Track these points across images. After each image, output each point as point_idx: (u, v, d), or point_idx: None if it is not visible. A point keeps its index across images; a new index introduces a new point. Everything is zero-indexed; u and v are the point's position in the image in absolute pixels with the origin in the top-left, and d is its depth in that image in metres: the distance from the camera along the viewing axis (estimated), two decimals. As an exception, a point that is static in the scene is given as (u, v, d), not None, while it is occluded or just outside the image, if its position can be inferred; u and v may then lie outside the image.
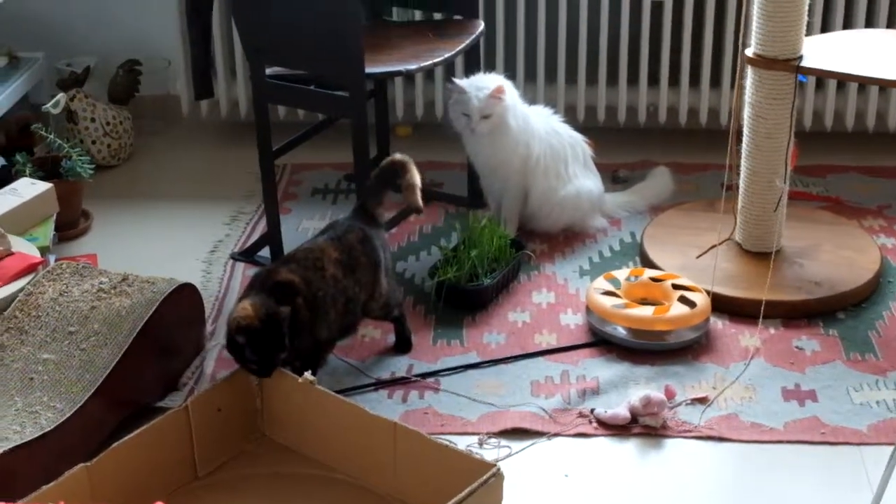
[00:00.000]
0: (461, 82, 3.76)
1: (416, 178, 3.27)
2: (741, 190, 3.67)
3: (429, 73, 4.56)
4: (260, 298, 2.86)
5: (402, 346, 3.38)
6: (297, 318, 2.91)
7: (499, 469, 2.55)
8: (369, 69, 3.47)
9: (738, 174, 3.67)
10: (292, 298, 2.91)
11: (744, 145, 3.62)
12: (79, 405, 2.86)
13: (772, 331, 3.42)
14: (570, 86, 4.57)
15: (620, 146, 4.54)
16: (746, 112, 3.58)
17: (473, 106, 3.72)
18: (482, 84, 3.75)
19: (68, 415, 2.83)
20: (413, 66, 3.60)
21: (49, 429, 2.77)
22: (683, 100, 4.55)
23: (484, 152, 3.87)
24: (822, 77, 4.16)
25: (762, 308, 3.39)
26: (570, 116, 4.25)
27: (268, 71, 3.63)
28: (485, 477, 2.52)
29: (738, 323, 3.46)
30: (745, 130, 3.60)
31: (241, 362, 2.86)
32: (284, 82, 3.63)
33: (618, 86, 4.56)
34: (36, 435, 2.74)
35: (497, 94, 3.72)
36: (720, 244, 3.69)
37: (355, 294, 3.12)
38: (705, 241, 3.71)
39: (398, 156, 3.31)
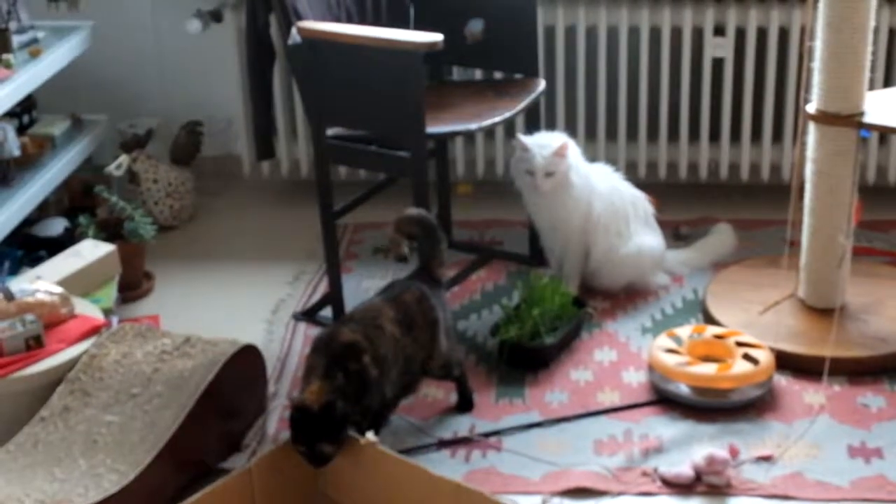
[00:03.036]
0: (525, 139, 3.77)
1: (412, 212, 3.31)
2: (804, 246, 3.64)
3: (489, 131, 4.57)
4: (329, 382, 2.86)
5: (464, 405, 3.37)
6: (365, 377, 2.92)
7: (562, 530, 2.54)
8: (430, 129, 3.48)
9: (801, 230, 3.64)
10: (359, 359, 2.93)
11: (806, 201, 3.59)
12: (142, 467, 2.86)
13: (836, 388, 3.39)
14: (630, 143, 4.56)
15: (682, 203, 4.52)
16: (808, 168, 3.56)
17: (538, 163, 3.72)
18: (546, 142, 3.76)
19: (131, 477, 2.83)
20: (474, 126, 3.61)
21: (113, 492, 2.78)
22: (745, 156, 4.53)
23: (546, 210, 3.87)
24: (885, 132, 4.14)
25: (826, 365, 3.35)
26: (631, 173, 4.24)
27: (329, 131, 3.66)
28: (548, 538, 2.51)
29: (801, 380, 3.43)
30: (808, 186, 3.58)
31: (295, 447, 2.85)
32: (345, 142, 3.65)
33: (679, 142, 4.55)
34: (100, 498, 2.76)
35: (561, 152, 3.72)
36: (783, 301, 3.66)
37: (414, 352, 3.12)
38: (768, 297, 3.68)
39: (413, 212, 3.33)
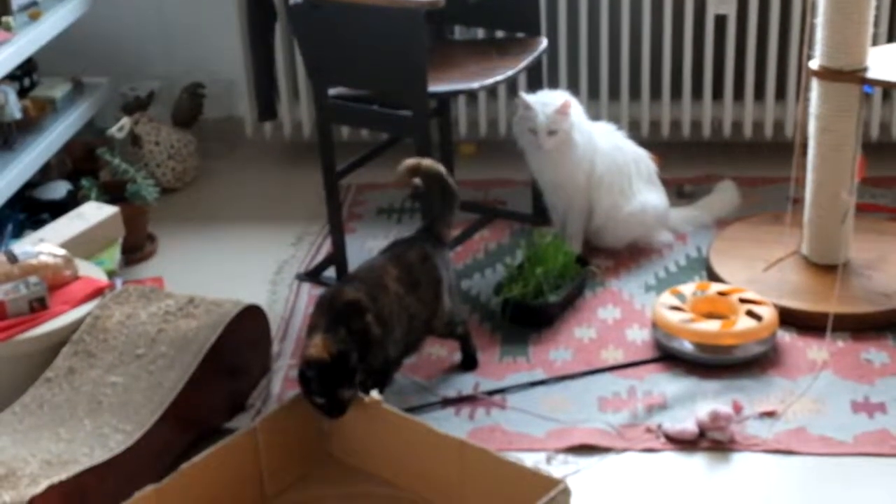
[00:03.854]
0: (527, 98, 3.76)
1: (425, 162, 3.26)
2: (807, 202, 3.64)
3: (492, 90, 4.56)
4: (331, 335, 2.86)
5: (468, 363, 3.38)
6: (368, 335, 2.93)
7: (566, 485, 2.54)
8: (432, 88, 3.47)
9: (804, 187, 3.63)
10: (362, 317, 2.93)
11: (809, 158, 3.59)
12: (147, 427, 2.87)
13: (840, 343, 3.39)
14: (633, 101, 4.55)
15: (685, 161, 4.52)
16: (812, 124, 3.55)
17: (540, 122, 3.71)
18: (548, 100, 3.75)
19: (137, 437, 2.84)
20: (476, 85, 3.60)
21: (118, 451, 2.79)
22: (748, 113, 4.52)
23: (549, 169, 3.87)
24: (888, 88, 4.12)
25: (830, 321, 3.36)
26: (635, 132, 4.24)
27: (331, 91, 3.65)
28: (552, 493, 2.52)
29: (805, 336, 3.43)
30: (811, 143, 3.57)
31: (311, 401, 2.84)
32: (347, 102, 3.64)
33: (682, 100, 4.53)
34: (105, 458, 2.76)
35: (564, 110, 3.72)
36: (787, 257, 3.66)
37: (417, 311, 3.12)
38: (772, 254, 3.69)
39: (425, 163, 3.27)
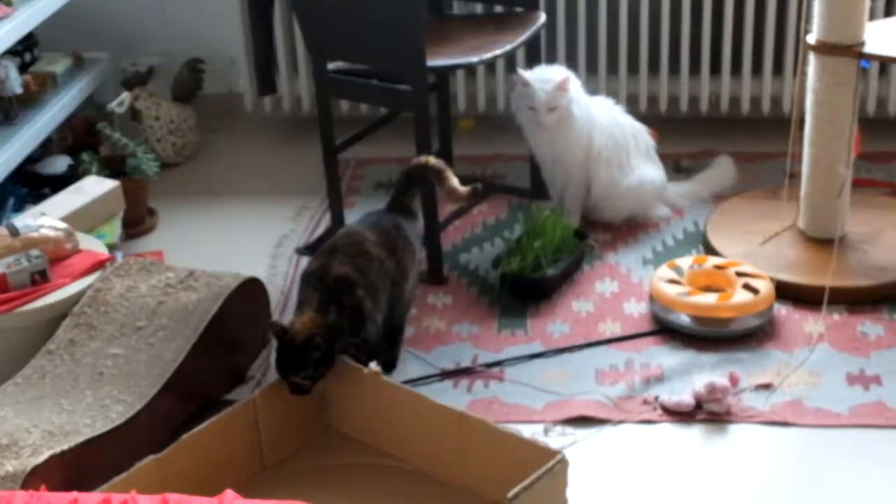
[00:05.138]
0: (526, 74, 3.76)
1: (454, 181, 3.26)
2: (804, 177, 3.65)
3: (490, 65, 4.56)
4: (321, 317, 2.87)
5: (388, 365, 3.25)
6: (361, 309, 2.95)
7: (563, 456, 2.56)
8: (431, 62, 3.48)
9: (801, 161, 3.65)
10: (353, 292, 2.94)
11: (806, 132, 3.60)
12: (148, 399, 2.89)
13: (836, 317, 3.41)
14: (631, 76, 4.55)
15: (683, 136, 4.52)
16: (809, 99, 3.56)
17: (540, 99, 3.72)
18: (547, 76, 3.75)
19: (138, 408, 2.86)
20: (474, 59, 3.61)
21: (119, 422, 2.81)
22: (745, 88, 4.52)
23: (547, 144, 3.88)
24: (885, 63, 4.13)
25: (826, 294, 3.37)
26: (632, 107, 4.24)
27: (330, 66, 3.66)
28: (550, 464, 2.54)
29: (802, 309, 3.45)
30: (808, 118, 3.58)
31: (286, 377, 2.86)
32: (346, 77, 3.65)
33: (679, 75, 4.54)
34: (106, 428, 2.78)
35: (563, 86, 3.72)
36: (783, 231, 3.68)
37: (396, 278, 3.13)
38: (768, 228, 3.70)
39: (432, 160, 3.30)
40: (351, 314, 2.94)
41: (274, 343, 2.88)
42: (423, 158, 3.32)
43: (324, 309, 2.89)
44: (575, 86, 3.81)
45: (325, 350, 2.83)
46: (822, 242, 3.64)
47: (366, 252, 3.05)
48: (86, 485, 2.56)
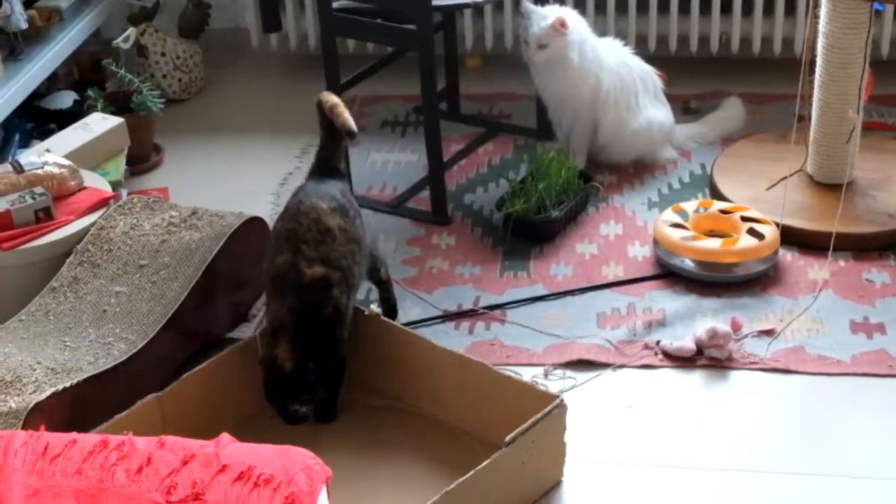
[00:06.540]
0: (528, 6, 3.73)
1: (335, 98, 3.06)
2: (813, 121, 3.63)
3: (498, 4, 4.53)
4: (300, 346, 2.74)
5: (389, 313, 3.17)
6: (339, 308, 2.80)
7: (562, 400, 2.58)
8: (436, 1, 3.46)
9: (811, 104, 3.62)
10: (329, 294, 2.78)
11: (817, 75, 3.57)
12: (150, 337, 2.90)
13: (841, 263, 3.39)
14: (641, 16, 4.52)
15: (692, 76, 4.49)
16: (820, 42, 3.53)
17: (532, 33, 3.70)
18: (546, 13, 3.72)
19: (140, 346, 2.87)
20: (480, -1, 3.59)
21: (121, 360, 2.82)
22: (757, 28, 4.49)
23: (551, 84, 3.86)
24: (898, 5, 4.10)
25: (832, 240, 3.36)
26: (642, 47, 4.22)
27: (335, 4, 3.64)
28: (548, 408, 2.55)
29: (807, 255, 3.44)
30: (819, 60, 3.55)
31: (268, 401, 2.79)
32: (352, 15, 3.63)
33: (690, 15, 4.50)
34: (109, 366, 2.79)
35: (557, 26, 3.69)
36: (791, 176, 3.65)
37: (359, 234, 2.93)
38: (776, 172, 3.68)
39: (324, 97, 3.07)
40: (330, 317, 2.79)
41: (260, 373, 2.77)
42: (318, 96, 3.11)
43: (300, 338, 2.74)
44: (580, 28, 3.77)
45: (318, 373, 2.76)
46: (830, 188, 3.62)
47: (327, 229, 2.82)
48: (88, 422, 2.58)
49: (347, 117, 3.00)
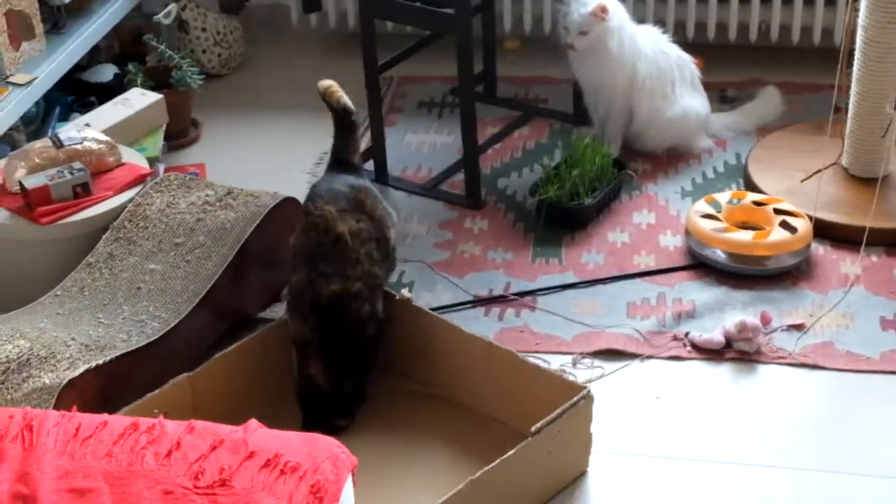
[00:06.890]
0: None
1: (328, 81, 3.05)
2: (850, 114, 3.61)
3: (538, -13, 4.54)
4: (329, 362, 2.78)
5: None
6: (362, 320, 2.80)
7: (589, 391, 2.59)
8: (475, -15, 3.47)
9: (849, 96, 3.61)
10: (348, 310, 2.78)
11: (854, 68, 3.56)
12: (183, 315, 2.93)
13: (874, 258, 3.39)
14: (680, 3, 4.50)
15: (730, 64, 4.47)
16: (859, 35, 3.51)
17: (572, 20, 3.70)
18: (587, 0, 3.72)
19: (173, 324, 2.90)
20: (519, -17, 3.59)
21: (154, 338, 2.85)
22: (797, 17, 4.46)
23: (588, 70, 3.86)
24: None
25: (865, 235, 3.35)
26: (680, 34, 4.21)
27: (375, -15, 3.65)
28: (575, 399, 2.57)
29: (839, 249, 3.43)
30: (857, 53, 3.53)
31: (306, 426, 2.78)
32: (391, -3, 3.64)
33: (729, 2, 4.48)
34: (142, 343, 2.82)
35: (598, 13, 3.69)
36: (826, 168, 3.64)
37: (378, 231, 2.88)
38: (811, 164, 3.67)
39: (323, 84, 3.06)
40: (352, 330, 2.80)
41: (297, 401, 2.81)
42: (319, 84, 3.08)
43: (329, 355, 2.77)
44: (618, 15, 3.76)
45: (353, 384, 2.82)
46: (865, 181, 3.61)
47: (338, 237, 2.78)
48: (120, 398, 2.62)
49: (341, 94, 3.01)
